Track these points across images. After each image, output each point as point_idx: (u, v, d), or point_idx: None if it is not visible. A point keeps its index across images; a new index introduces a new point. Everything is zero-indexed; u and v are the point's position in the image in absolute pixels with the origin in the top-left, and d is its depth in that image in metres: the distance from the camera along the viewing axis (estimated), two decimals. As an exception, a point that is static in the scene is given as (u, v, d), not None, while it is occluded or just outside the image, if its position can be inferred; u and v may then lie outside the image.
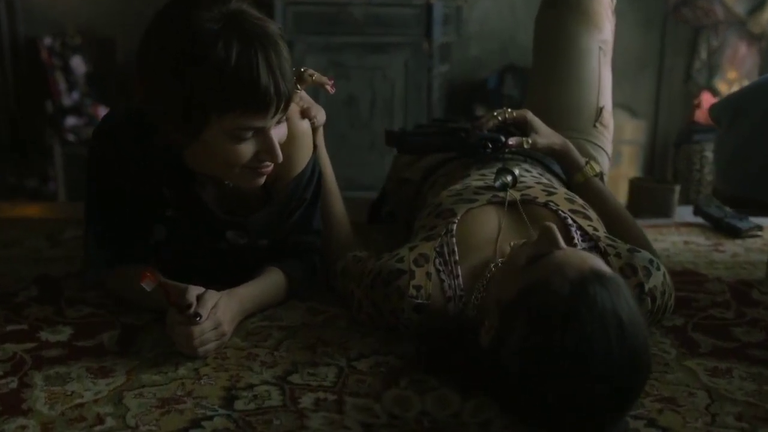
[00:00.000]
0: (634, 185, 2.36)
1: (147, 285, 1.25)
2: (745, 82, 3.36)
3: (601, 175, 1.77)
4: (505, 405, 1.13)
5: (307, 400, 1.20)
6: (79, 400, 1.19)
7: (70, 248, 1.90)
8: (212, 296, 1.34)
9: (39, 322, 1.47)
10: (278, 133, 1.34)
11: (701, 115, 2.69)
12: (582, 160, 1.72)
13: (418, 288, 1.34)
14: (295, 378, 1.27)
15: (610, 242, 1.39)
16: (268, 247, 1.57)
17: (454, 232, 1.41)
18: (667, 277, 1.38)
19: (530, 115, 1.71)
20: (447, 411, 1.18)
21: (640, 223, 2.20)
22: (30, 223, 2.13)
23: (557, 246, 1.14)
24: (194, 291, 1.33)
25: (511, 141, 1.67)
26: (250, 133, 1.30)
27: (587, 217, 1.46)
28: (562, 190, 1.54)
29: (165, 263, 1.51)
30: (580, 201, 1.52)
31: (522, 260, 1.15)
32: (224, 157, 1.32)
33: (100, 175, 1.47)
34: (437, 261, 1.37)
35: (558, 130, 1.77)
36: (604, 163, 1.93)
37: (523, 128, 1.72)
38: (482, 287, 1.32)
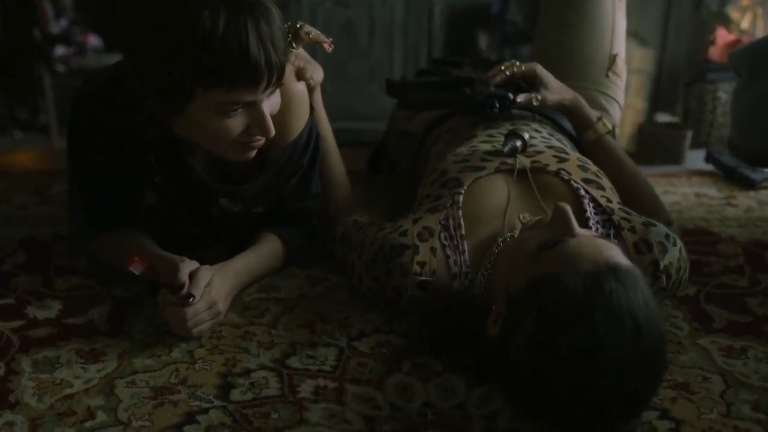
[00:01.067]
0: (644, 130, 2.27)
1: (135, 269, 1.19)
2: (758, 10, 3.21)
3: (613, 130, 1.68)
4: (511, 397, 1.08)
5: (306, 389, 1.15)
6: (68, 390, 1.14)
7: (59, 205, 1.83)
8: (205, 274, 1.28)
9: (27, 294, 1.42)
10: (271, 104, 1.25)
11: (715, 53, 2.57)
12: (593, 116, 1.63)
13: (422, 264, 1.27)
14: (294, 361, 1.22)
15: (624, 215, 1.32)
16: (264, 213, 1.50)
17: (460, 203, 1.34)
18: (683, 251, 1.31)
19: (540, 69, 1.61)
20: (451, 401, 1.13)
21: (650, 171, 2.14)
22: (17, 177, 2.06)
23: (571, 231, 1.07)
24: (186, 268, 1.27)
25: (520, 98, 1.58)
26: (239, 108, 1.21)
27: (600, 187, 1.38)
28: (574, 156, 1.46)
29: (156, 228, 1.44)
30: (593, 168, 1.44)
31: (533, 246, 1.09)
32: (211, 132, 1.23)
33: (83, 142, 1.38)
34: (442, 235, 1.30)
35: (569, 79, 1.68)
36: (616, 115, 1.84)
37: (531, 82, 1.62)
38: (489, 264, 1.25)
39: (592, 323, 0.95)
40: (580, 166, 1.41)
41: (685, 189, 2.02)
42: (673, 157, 2.21)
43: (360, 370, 1.21)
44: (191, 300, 1.23)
